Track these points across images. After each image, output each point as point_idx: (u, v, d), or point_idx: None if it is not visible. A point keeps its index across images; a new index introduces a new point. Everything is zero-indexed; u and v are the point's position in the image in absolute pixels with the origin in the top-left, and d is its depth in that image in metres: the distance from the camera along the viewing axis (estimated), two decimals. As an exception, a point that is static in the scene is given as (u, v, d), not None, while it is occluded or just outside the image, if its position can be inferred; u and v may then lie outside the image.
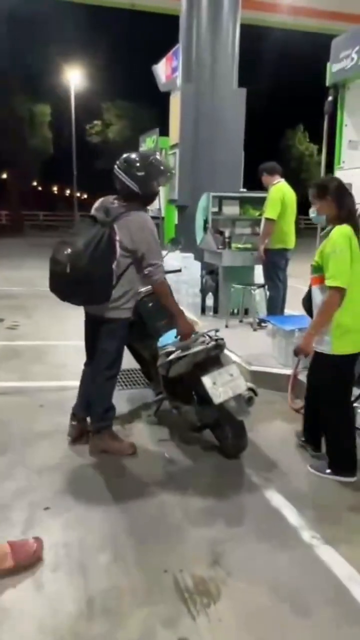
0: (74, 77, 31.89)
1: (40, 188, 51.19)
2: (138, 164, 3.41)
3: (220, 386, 3.32)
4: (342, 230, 3.14)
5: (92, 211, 3.48)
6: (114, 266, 3.27)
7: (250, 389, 3.43)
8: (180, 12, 8.58)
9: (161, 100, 10.18)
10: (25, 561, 2.46)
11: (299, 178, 33.49)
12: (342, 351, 3.22)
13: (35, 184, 45.64)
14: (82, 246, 3.14)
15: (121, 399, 4.45)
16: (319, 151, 39.86)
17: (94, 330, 3.57)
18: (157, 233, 3.50)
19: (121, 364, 3.68)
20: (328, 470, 3.36)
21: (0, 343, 6.37)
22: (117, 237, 3.28)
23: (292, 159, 38.91)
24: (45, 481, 3.26)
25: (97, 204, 3.56)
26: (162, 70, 10.62)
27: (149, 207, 3.62)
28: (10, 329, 7.14)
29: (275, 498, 3.14)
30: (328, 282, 3.12)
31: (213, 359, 3.47)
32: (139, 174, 3.38)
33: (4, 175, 34.77)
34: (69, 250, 3.14)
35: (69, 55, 32.10)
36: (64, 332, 6.64)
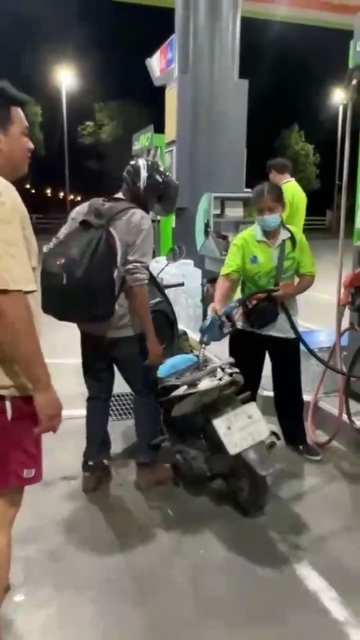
0: (65, 77, 31.29)
1: (33, 191, 50.35)
2: (161, 173, 3.06)
3: (236, 432, 2.68)
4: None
5: (79, 216, 2.88)
6: (114, 275, 2.75)
7: (273, 433, 2.81)
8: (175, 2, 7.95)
9: (156, 99, 9.49)
10: None
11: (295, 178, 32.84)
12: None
13: (28, 186, 44.86)
14: (77, 254, 2.63)
15: (113, 432, 3.81)
16: (315, 151, 39.39)
17: (104, 356, 3.08)
18: (153, 238, 2.93)
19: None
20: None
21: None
22: (117, 240, 2.77)
23: (287, 158, 38.26)
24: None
25: (83, 207, 3.00)
26: (156, 63, 9.93)
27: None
28: None
29: (312, 577, 2.48)
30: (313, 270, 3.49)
31: (226, 397, 2.81)
32: (158, 177, 3.02)
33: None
34: (63, 260, 2.63)
35: (59, 54, 31.55)
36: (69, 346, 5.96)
